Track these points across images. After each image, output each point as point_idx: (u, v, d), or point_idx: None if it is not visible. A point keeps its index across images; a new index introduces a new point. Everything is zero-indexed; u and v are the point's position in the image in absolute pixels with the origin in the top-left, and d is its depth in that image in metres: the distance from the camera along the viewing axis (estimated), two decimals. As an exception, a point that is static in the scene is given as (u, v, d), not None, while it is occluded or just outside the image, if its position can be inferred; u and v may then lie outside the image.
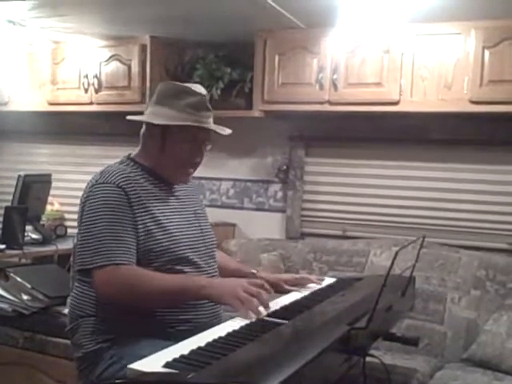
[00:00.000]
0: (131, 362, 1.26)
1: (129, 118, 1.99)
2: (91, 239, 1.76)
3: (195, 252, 1.92)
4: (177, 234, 1.88)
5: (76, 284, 1.93)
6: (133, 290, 1.73)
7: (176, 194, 2.00)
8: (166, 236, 1.85)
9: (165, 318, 1.82)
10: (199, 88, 1.94)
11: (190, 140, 1.90)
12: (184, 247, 1.88)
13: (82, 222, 1.83)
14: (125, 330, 1.80)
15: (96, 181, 1.86)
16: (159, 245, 1.82)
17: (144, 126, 1.98)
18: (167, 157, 1.91)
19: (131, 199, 1.82)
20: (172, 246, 1.85)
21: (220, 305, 1.89)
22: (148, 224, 1.82)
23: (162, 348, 1.37)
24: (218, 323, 1.80)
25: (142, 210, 1.83)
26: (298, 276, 2.19)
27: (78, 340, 1.87)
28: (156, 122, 1.88)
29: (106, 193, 1.81)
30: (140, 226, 1.81)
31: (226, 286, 1.73)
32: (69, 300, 1.97)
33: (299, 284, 2.14)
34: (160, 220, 1.86)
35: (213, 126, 1.93)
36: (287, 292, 2.08)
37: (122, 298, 1.74)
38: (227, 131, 1.98)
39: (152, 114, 1.92)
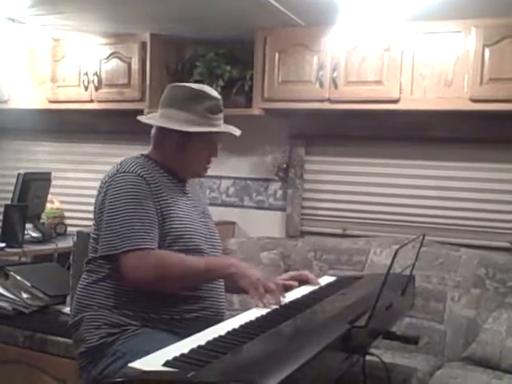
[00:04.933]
0: (134, 358, 1.26)
1: (154, 123, 2.00)
2: (117, 225, 1.80)
3: (205, 246, 1.97)
4: (190, 225, 1.94)
5: (84, 276, 1.96)
6: (167, 272, 1.80)
7: (187, 192, 2.05)
8: (180, 225, 1.90)
9: (172, 307, 1.86)
10: (212, 91, 2.02)
11: (208, 142, 1.99)
12: (196, 238, 1.94)
13: (106, 210, 1.86)
14: (131, 320, 1.83)
15: (117, 170, 1.90)
16: (173, 233, 1.88)
17: (157, 127, 2.01)
18: (186, 157, 1.99)
19: (151, 187, 1.87)
20: (186, 235, 1.90)
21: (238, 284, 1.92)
22: (165, 212, 1.88)
23: (166, 343, 1.39)
24: (222, 318, 1.86)
25: (159, 199, 1.88)
26: (294, 273, 2.19)
27: (81, 335, 1.89)
28: (185, 129, 1.92)
29: (128, 181, 1.86)
30: (158, 213, 1.86)
31: (251, 272, 1.84)
32: (69, 298, 1.98)
33: (296, 279, 2.13)
34: (175, 210, 1.91)
35: (231, 129, 2.03)
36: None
37: (155, 280, 1.79)
38: (238, 131, 2.07)
39: (172, 119, 1.95)
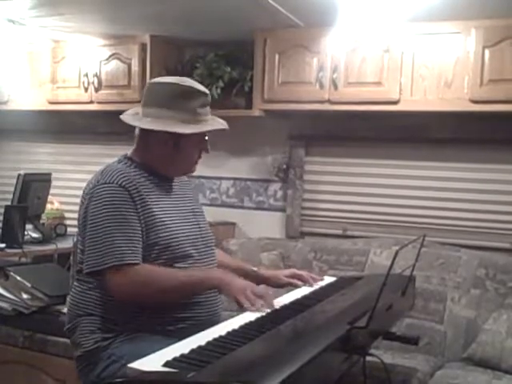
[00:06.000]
0: (131, 361, 1.26)
1: (142, 125, 1.92)
2: (100, 240, 1.77)
3: (195, 249, 1.93)
4: (177, 231, 1.89)
5: (75, 283, 1.94)
6: (151, 287, 1.78)
7: (174, 192, 2.00)
8: (167, 233, 1.86)
9: (165, 317, 1.83)
10: (198, 85, 1.95)
11: (201, 139, 1.95)
12: (184, 244, 1.89)
13: (88, 224, 1.82)
14: (124, 328, 1.81)
15: (98, 181, 1.85)
16: (160, 242, 1.84)
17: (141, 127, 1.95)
18: (178, 157, 1.93)
19: (134, 198, 1.82)
20: (173, 243, 1.86)
21: (227, 297, 1.92)
22: (149, 222, 1.83)
23: (162, 346, 1.38)
24: (218, 322, 1.82)
25: (144, 209, 1.83)
26: (298, 272, 2.20)
27: (76, 339, 1.88)
28: (181, 131, 1.86)
29: (109, 193, 1.81)
30: (143, 224, 1.82)
31: (237, 282, 1.82)
32: (68, 299, 1.98)
33: (298, 278, 2.16)
34: (161, 217, 1.86)
35: (221, 123, 1.98)
36: (286, 285, 2.14)
37: (140, 295, 1.78)
38: (225, 124, 2.01)
39: (162, 119, 1.88)
